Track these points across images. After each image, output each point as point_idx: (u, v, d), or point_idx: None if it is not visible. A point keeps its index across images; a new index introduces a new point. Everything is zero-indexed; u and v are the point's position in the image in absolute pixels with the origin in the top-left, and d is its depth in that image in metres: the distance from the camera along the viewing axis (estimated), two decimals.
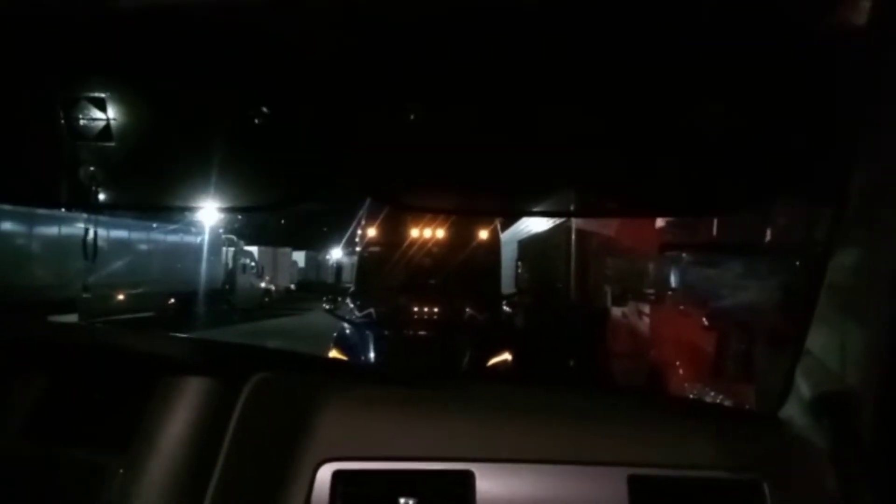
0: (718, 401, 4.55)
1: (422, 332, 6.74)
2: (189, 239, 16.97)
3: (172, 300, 15.29)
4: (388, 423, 0.89)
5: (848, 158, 0.84)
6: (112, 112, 0.98)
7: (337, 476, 0.85)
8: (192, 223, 17.79)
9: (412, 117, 0.97)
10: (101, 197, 1.18)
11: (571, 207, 1.31)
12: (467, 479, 0.85)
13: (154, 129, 1.04)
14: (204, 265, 16.48)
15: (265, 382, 0.90)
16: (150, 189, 1.11)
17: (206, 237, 17.07)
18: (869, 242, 0.84)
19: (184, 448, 0.82)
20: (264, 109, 0.95)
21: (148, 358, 0.91)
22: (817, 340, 0.89)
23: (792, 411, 0.91)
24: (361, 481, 0.85)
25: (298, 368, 1.04)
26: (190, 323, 14.32)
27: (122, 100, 1.00)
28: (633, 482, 0.85)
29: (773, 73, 0.86)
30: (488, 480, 0.85)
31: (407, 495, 0.84)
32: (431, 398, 0.95)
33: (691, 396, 4.87)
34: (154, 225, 15.75)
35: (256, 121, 0.96)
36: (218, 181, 1.07)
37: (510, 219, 8.10)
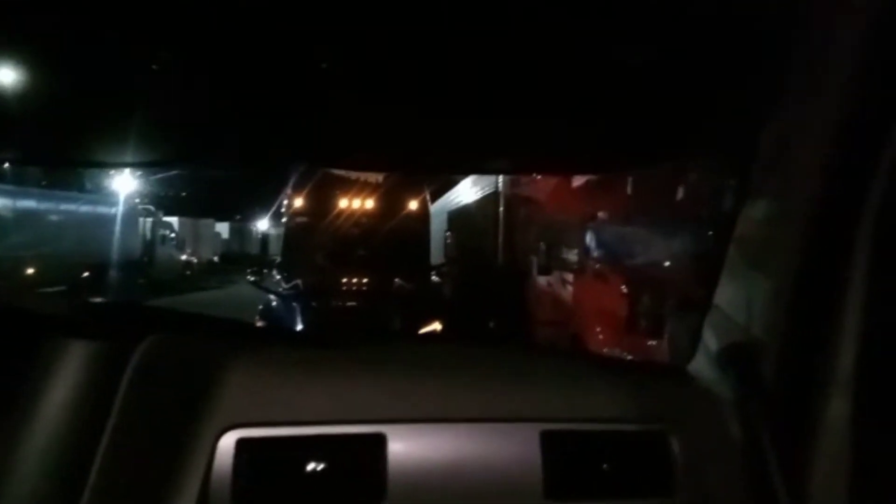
0: (641, 350, 4.75)
1: (350, 303, 6.70)
2: (103, 209, 16.13)
3: (87, 273, 14.55)
4: (296, 387, 0.86)
5: (757, 113, 0.86)
6: None
7: (241, 444, 0.81)
8: (107, 193, 16.92)
9: (324, 66, 0.93)
10: None
11: (492, 164, 1.30)
12: (379, 441, 0.83)
13: (44, 78, 0.96)
14: (120, 236, 15.73)
15: (160, 344, 0.84)
16: (40, 142, 1.03)
17: (121, 207, 16.27)
18: (775, 196, 0.86)
19: (67, 414, 0.76)
20: (162, 55, 0.88)
21: (29, 318, 0.83)
22: (725, 294, 0.92)
23: (700, 364, 0.94)
24: (267, 448, 0.82)
25: (199, 330, 0.99)
26: (105, 297, 13.68)
27: (6, 48, 0.92)
28: (545, 437, 0.86)
29: (683, 27, 0.87)
30: (401, 442, 0.84)
31: (316, 461, 0.82)
32: (344, 359, 0.92)
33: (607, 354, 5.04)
34: (66, 194, 14.89)
35: (154, 67, 0.89)
36: (116, 134, 1.00)
37: (429, 185, 8.09)
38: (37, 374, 0.77)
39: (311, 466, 0.82)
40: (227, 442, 0.80)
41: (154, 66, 0.94)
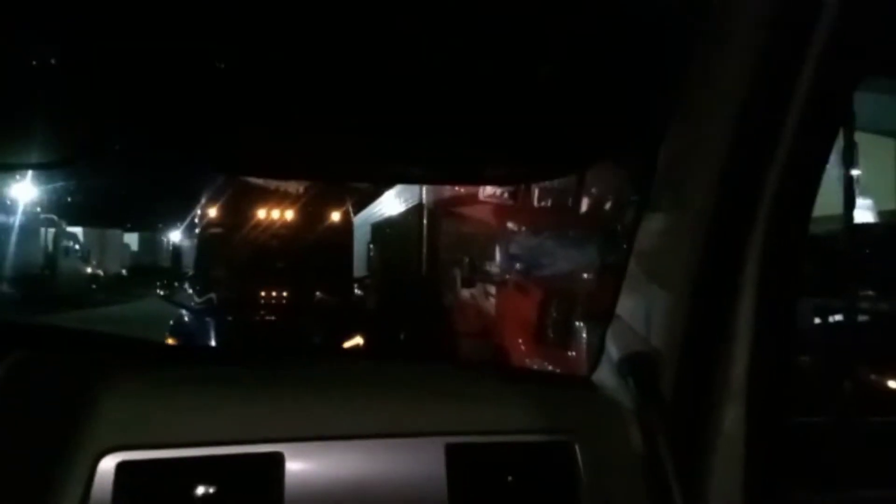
0: (551, 360, 4.85)
1: (268, 317, 6.52)
2: None
3: None
4: (185, 405, 0.81)
5: (659, 127, 0.89)
6: None
7: (122, 468, 0.75)
8: (5, 201, 15.82)
9: (222, 66, 0.88)
10: None
11: (406, 173, 1.29)
12: (275, 460, 0.79)
13: None
14: (18, 248, 14.71)
15: (26, 363, 0.77)
16: None
17: (20, 216, 15.24)
18: (674, 208, 0.89)
19: None
20: (46, 49, 0.82)
21: None
22: (626, 305, 0.94)
23: (603, 374, 0.96)
24: (151, 472, 0.76)
25: (77, 346, 0.92)
26: (1, 311, 12.73)
27: None
28: (450, 451, 0.84)
29: (586, 43, 0.88)
30: (299, 461, 0.80)
31: (207, 484, 0.77)
32: (241, 376, 0.88)
33: (520, 365, 5.12)
34: None
35: (34, 62, 0.83)
36: (7, 132, 0.92)
37: (350, 196, 8.03)
38: None
39: (200, 490, 0.76)
40: (107, 466, 0.74)
41: (50, 60, 0.88)
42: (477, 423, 0.87)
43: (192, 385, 0.84)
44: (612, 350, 0.93)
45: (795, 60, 0.78)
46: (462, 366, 1.18)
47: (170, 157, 1.10)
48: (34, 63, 0.89)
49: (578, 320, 4.90)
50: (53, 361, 0.82)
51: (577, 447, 0.87)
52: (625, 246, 0.95)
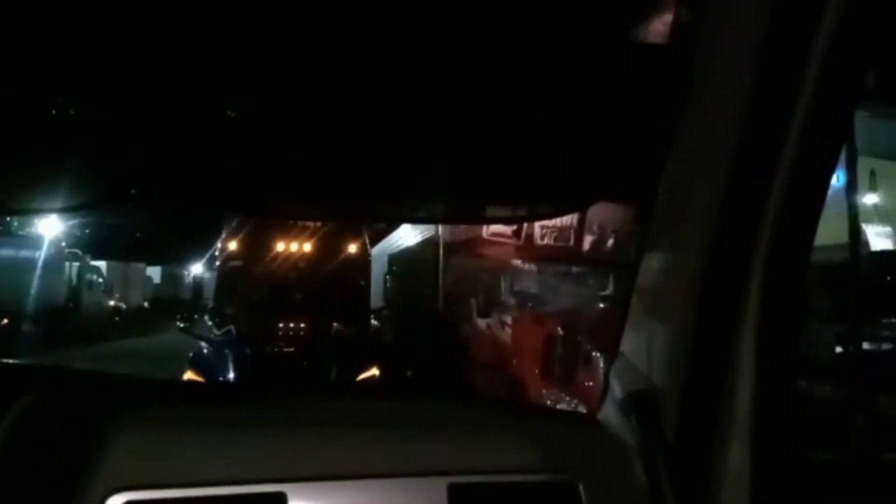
0: (573, 405, 4.79)
1: (286, 349, 6.53)
2: (26, 253, 15.37)
3: (5, 320, 13.73)
4: (191, 445, 0.82)
5: (656, 167, 0.90)
6: None
7: None
8: (31, 236, 16.16)
9: (232, 115, 0.92)
10: None
11: (416, 213, 1.31)
12: (278, 500, 0.80)
13: None
14: (43, 281, 14.96)
15: (37, 404, 0.79)
16: None
17: (45, 251, 15.54)
18: (672, 248, 0.90)
19: None
20: (64, 99, 0.86)
21: None
22: (629, 342, 0.95)
23: (608, 412, 0.96)
24: None
25: (87, 387, 0.94)
26: (26, 346, 12.91)
27: None
28: (452, 491, 0.84)
29: (586, 83, 0.91)
30: (301, 501, 0.81)
31: None
32: (246, 415, 0.89)
33: (543, 401, 5.08)
34: None
35: (54, 112, 0.87)
36: (21, 179, 0.96)
37: (368, 229, 8.09)
38: None
39: None
40: None
41: (72, 110, 0.92)
42: (480, 463, 0.88)
43: (199, 425, 0.85)
44: (616, 388, 0.93)
45: (788, 93, 0.80)
46: (470, 401, 1.19)
47: (189, 201, 1.14)
48: (55, 112, 0.93)
49: (592, 352, 4.87)
50: (64, 402, 0.84)
51: (580, 487, 0.87)
52: (627, 283, 0.96)
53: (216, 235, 8.61)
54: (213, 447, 0.82)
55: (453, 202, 1.11)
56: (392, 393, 1.16)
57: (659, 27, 0.94)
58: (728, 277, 0.85)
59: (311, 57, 0.92)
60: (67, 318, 16.17)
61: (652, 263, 0.92)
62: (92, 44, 0.85)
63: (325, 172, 1.03)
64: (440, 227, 9.07)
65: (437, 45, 0.92)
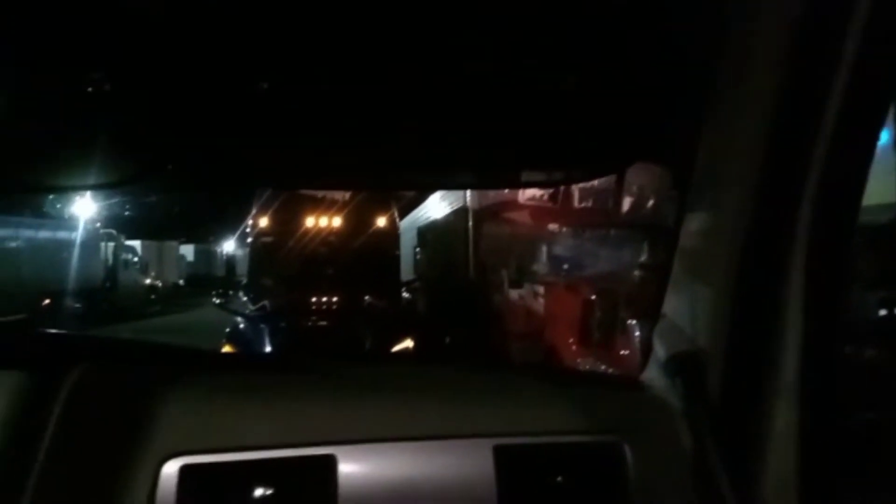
0: (599, 361, 4.79)
1: (320, 323, 6.62)
2: (63, 234, 15.76)
3: (47, 300, 14.16)
4: (241, 410, 0.85)
5: (695, 127, 0.88)
6: None
7: (184, 471, 0.79)
8: (67, 217, 16.55)
9: (265, 87, 0.93)
10: None
11: (450, 179, 1.31)
12: (328, 462, 0.82)
13: None
14: (81, 262, 15.36)
15: (92, 373, 0.82)
16: None
17: (82, 231, 15.91)
18: (713, 208, 0.88)
19: None
20: (99, 76, 0.87)
21: None
22: (672, 304, 0.94)
23: (652, 374, 0.96)
24: (212, 475, 0.80)
25: (140, 357, 0.97)
26: (67, 324, 13.32)
27: None
28: (498, 452, 0.85)
29: (623, 41, 0.89)
30: (351, 463, 0.83)
31: (264, 486, 0.80)
32: (294, 381, 0.91)
33: (574, 366, 5.08)
34: (24, 219, 14.51)
35: (90, 89, 0.88)
36: (52, 157, 0.98)
37: (397, 201, 8.10)
38: None
39: (258, 492, 0.80)
40: (170, 469, 0.79)
41: (107, 87, 0.93)
42: (525, 425, 0.89)
43: (249, 392, 0.88)
44: (660, 350, 0.92)
45: (832, 48, 0.77)
46: (510, 368, 1.19)
47: (222, 175, 1.16)
48: (90, 90, 0.95)
49: (627, 319, 4.83)
50: (117, 372, 0.87)
51: (626, 447, 0.87)
52: (668, 245, 0.94)
53: (247, 212, 8.74)
54: (262, 412, 0.85)
55: (487, 167, 1.11)
56: (431, 361, 1.17)
57: None
58: (771, 238, 0.84)
59: (341, 28, 0.92)
60: (105, 297, 16.61)
61: (693, 225, 0.90)
62: (127, 21, 0.86)
63: (358, 141, 1.03)
64: (468, 196, 9.04)
65: (468, 11, 0.90)
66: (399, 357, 4.89)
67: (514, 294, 7.59)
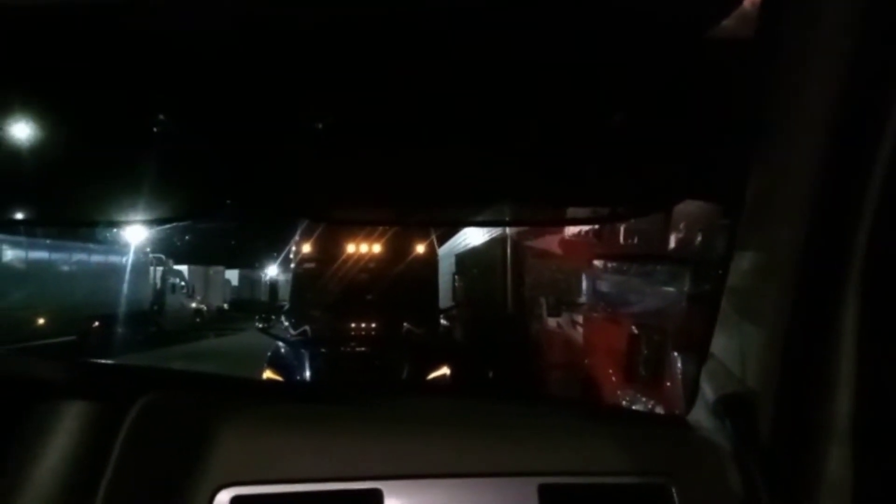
0: (650, 407, 4.68)
1: (359, 349, 6.67)
2: (114, 259, 16.29)
3: (97, 323, 14.59)
4: (291, 443, 0.86)
5: (744, 162, 0.88)
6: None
7: (236, 502, 0.81)
8: (118, 242, 17.11)
9: (320, 126, 0.96)
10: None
11: (494, 217, 1.32)
12: (375, 497, 0.83)
13: (47, 139, 0.99)
14: (130, 285, 15.82)
15: (153, 404, 0.85)
16: (49, 204, 1.05)
17: (132, 256, 16.42)
18: (763, 246, 0.87)
19: (59, 479, 0.76)
20: (161, 117, 0.92)
21: (19, 382, 0.84)
22: (720, 344, 0.92)
23: (699, 414, 0.94)
24: None
25: (195, 388, 1.00)
26: (115, 346, 13.69)
27: (12, 110, 0.96)
28: (543, 491, 0.85)
29: (670, 77, 0.89)
30: (397, 498, 0.83)
31: None
32: (341, 415, 0.92)
33: (619, 402, 4.98)
34: (77, 244, 15.06)
35: (155, 129, 0.93)
36: (118, 193, 1.03)
37: (435, 229, 8.15)
38: (28, 439, 0.78)
39: None
40: (223, 500, 0.80)
41: (156, 126, 0.98)
42: (570, 464, 0.88)
43: (298, 423, 0.89)
44: (708, 390, 0.90)
45: (885, 83, 0.76)
46: (551, 402, 1.18)
47: (276, 210, 1.19)
48: (154, 130, 0.99)
49: (669, 353, 4.73)
50: (175, 402, 0.90)
51: (673, 490, 0.85)
52: (716, 283, 0.93)
53: (289, 238, 8.89)
54: (312, 445, 0.86)
55: (531, 204, 1.11)
56: (472, 393, 1.17)
57: (742, 21, 0.92)
58: (823, 276, 0.82)
59: (388, 64, 0.95)
60: (153, 320, 17.03)
61: (743, 263, 0.89)
62: (183, 61, 0.90)
63: (402, 179, 1.05)
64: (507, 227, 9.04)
65: (514, 46, 0.92)
66: (438, 388, 4.87)
67: (551, 324, 7.51)
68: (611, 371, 5.54)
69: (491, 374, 7.57)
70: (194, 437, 0.84)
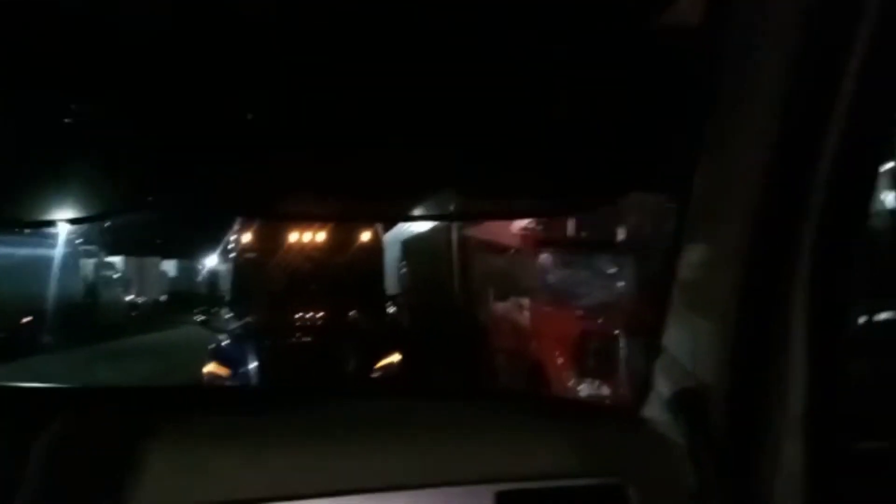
0: (597, 390, 4.77)
1: (305, 339, 6.57)
2: (42, 252, 15.52)
3: (27, 318, 13.90)
4: (227, 460, 0.80)
5: (693, 154, 0.87)
6: None
7: None
8: (47, 234, 16.31)
9: (249, 117, 0.90)
10: None
11: (440, 210, 1.28)
12: None
13: None
14: (61, 279, 15.12)
15: (70, 426, 0.78)
16: None
17: (62, 249, 15.69)
18: (713, 238, 0.86)
19: None
20: (79, 105, 0.84)
21: None
22: (672, 337, 0.91)
23: (652, 410, 0.93)
24: None
25: (114, 405, 0.93)
26: (48, 343, 13.08)
27: None
28: (500, 498, 0.82)
29: (620, 68, 0.87)
30: None
31: None
32: (277, 422, 0.87)
33: (567, 386, 5.05)
34: (2, 237, 14.27)
35: (68, 120, 0.85)
36: (39, 190, 0.95)
37: (366, 222, 8.10)
38: None
39: None
40: None
41: (88, 117, 0.90)
42: (526, 467, 0.85)
43: (232, 437, 0.83)
44: (661, 385, 0.90)
45: (830, 76, 0.75)
46: (505, 400, 1.16)
47: (203, 205, 1.12)
48: (70, 120, 0.91)
49: (616, 339, 4.82)
50: (94, 423, 0.82)
51: (630, 489, 0.84)
52: (665, 275, 0.92)
53: (228, 228, 8.64)
54: (248, 460, 0.81)
55: (476, 196, 1.08)
56: (421, 391, 1.13)
57: (690, 10, 0.90)
58: (773, 268, 0.82)
59: (328, 56, 0.90)
60: (86, 314, 16.36)
61: (692, 256, 0.88)
62: (108, 49, 0.83)
63: (341, 171, 1.00)
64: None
65: (461, 38, 0.88)
66: (383, 384, 4.82)
67: (498, 308, 7.56)
68: (557, 356, 5.62)
69: (436, 360, 7.58)
70: (117, 458, 0.77)
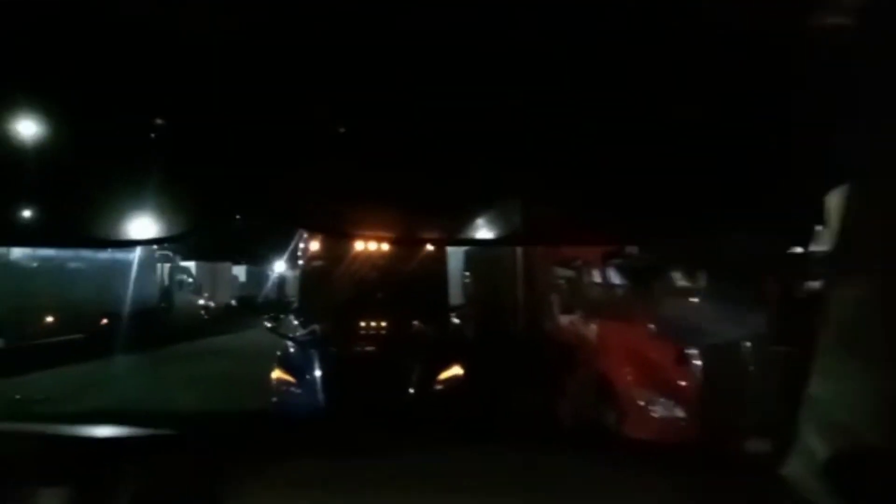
0: (672, 408, 4.55)
1: (368, 348, 6.59)
2: (121, 256, 16.26)
3: (105, 320, 14.57)
4: None
5: (829, 186, 0.76)
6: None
7: None
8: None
9: (341, 131, 0.85)
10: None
11: (519, 234, 1.21)
12: None
13: (49, 159, 0.90)
14: (137, 283, 15.79)
15: (149, 475, 0.74)
16: (53, 223, 0.96)
17: (139, 253, 16.39)
18: (870, 274, 0.74)
19: None
20: (160, 122, 0.82)
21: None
22: (821, 385, 0.80)
23: (797, 469, 0.81)
24: None
25: (197, 450, 0.88)
26: (123, 344, 13.67)
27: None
28: None
29: (751, 99, 0.78)
30: None
31: None
32: (363, 475, 0.81)
33: (637, 402, 4.84)
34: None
35: (153, 135, 0.83)
36: (122, 211, 0.94)
37: (433, 244, 8.07)
38: None
39: None
40: None
41: (159, 136, 0.88)
42: None
43: (312, 487, 0.78)
44: (809, 441, 0.78)
45: None
46: (626, 447, 1.06)
47: (278, 223, 1.10)
48: (150, 141, 0.90)
49: (684, 352, 4.58)
50: (173, 474, 0.78)
51: None
52: (804, 313, 0.81)
53: (297, 234, 8.80)
54: None
55: (539, 221, 1.01)
56: (504, 436, 1.04)
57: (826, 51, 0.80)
58: None
59: (411, 75, 0.85)
60: (160, 317, 17.01)
61: (846, 293, 0.76)
62: (195, 70, 0.80)
63: (414, 196, 0.96)
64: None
65: (536, 56, 0.82)
66: (461, 429, 4.70)
67: (564, 321, 7.39)
68: (627, 371, 5.42)
69: (500, 373, 7.46)
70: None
